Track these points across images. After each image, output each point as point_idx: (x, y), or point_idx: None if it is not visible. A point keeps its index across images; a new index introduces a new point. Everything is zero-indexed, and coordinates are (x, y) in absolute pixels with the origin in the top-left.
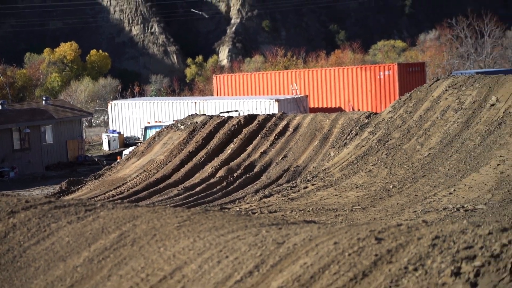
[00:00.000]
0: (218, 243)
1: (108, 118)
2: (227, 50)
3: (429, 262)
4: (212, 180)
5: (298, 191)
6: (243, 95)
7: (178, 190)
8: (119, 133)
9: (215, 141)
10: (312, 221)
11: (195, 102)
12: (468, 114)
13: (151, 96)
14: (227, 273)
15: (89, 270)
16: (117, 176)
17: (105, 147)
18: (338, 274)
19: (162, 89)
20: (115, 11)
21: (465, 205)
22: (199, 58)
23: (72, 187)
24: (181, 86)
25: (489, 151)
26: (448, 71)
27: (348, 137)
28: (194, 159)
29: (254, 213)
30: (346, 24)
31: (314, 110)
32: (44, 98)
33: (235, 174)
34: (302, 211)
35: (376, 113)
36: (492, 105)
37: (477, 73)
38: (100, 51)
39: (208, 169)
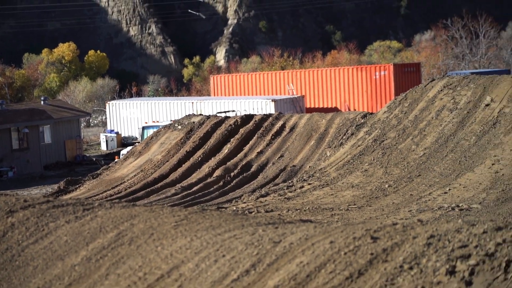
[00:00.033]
0: (215, 242)
1: (106, 118)
2: (224, 51)
3: (424, 261)
4: (209, 180)
5: (295, 190)
6: (240, 95)
7: (175, 189)
8: (117, 133)
9: (212, 141)
10: (308, 220)
11: (192, 102)
12: (463, 114)
13: (148, 96)
14: (224, 272)
15: (87, 269)
16: (115, 175)
17: (103, 147)
18: (334, 273)
19: (159, 89)
20: (113, 12)
21: (460, 204)
22: (196, 59)
23: (70, 187)
24: (178, 87)
25: (484, 150)
26: (443, 71)
27: (344, 137)
28: (191, 158)
29: (251, 212)
30: (342, 24)
31: (310, 110)
32: (42, 98)
33: (232, 174)
34: (299, 210)
35: (372, 113)
36: (487, 105)
37: (472, 73)
38: (98, 51)
39: (205, 168)
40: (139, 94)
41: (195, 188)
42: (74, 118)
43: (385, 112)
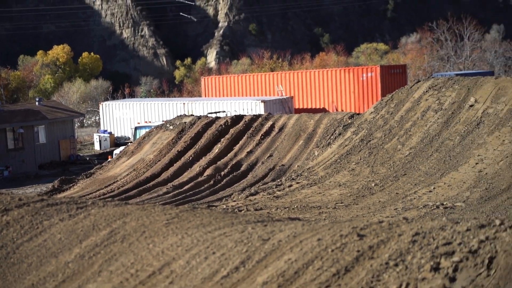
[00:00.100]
0: (206, 239)
1: (99, 118)
2: (215, 53)
3: (409, 258)
4: (200, 179)
5: (283, 189)
6: (230, 96)
7: (167, 188)
8: (110, 133)
9: (203, 141)
10: (297, 218)
11: (183, 103)
12: (448, 115)
13: (141, 97)
14: (214, 269)
15: (80, 266)
16: (108, 174)
17: (97, 146)
18: (322, 269)
19: (152, 90)
20: (106, 15)
21: (445, 203)
22: (188, 61)
23: (64, 186)
24: (170, 88)
25: (468, 150)
26: (428, 73)
27: (332, 137)
28: (182, 158)
29: (241, 211)
30: (331, 27)
31: (299, 111)
32: (37, 99)
33: (222, 173)
34: (287, 209)
35: (359, 114)
36: (471, 106)
37: (457, 75)
38: (92, 53)
39: (196, 168)
40: (132, 95)
41: (186, 187)
42: (68, 118)
43: (371, 112)
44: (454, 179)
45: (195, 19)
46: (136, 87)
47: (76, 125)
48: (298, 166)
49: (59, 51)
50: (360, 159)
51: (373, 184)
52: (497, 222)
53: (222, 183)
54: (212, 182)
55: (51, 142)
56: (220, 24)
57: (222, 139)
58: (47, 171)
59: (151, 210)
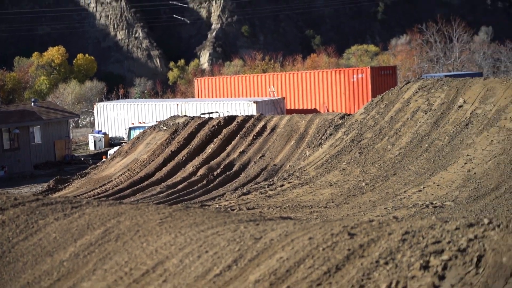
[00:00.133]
0: (199, 238)
1: (94, 119)
2: (208, 54)
3: (399, 256)
4: (193, 179)
5: (275, 188)
6: (223, 97)
7: (160, 188)
8: (104, 133)
9: (196, 141)
10: (288, 217)
11: (177, 104)
12: (437, 115)
13: (135, 98)
14: (207, 267)
15: (75, 264)
16: (102, 174)
17: (91, 147)
18: (313, 267)
19: (145, 91)
20: (100, 17)
21: (434, 202)
22: (181, 62)
23: (60, 185)
24: (164, 89)
25: (457, 150)
26: (418, 74)
27: (323, 137)
28: (176, 158)
29: (233, 210)
30: (322, 29)
31: (290, 112)
32: (32, 100)
33: (215, 173)
34: (279, 208)
35: (349, 114)
36: (460, 106)
37: (446, 76)
38: (87, 55)
39: (189, 168)
40: (126, 96)
41: (179, 187)
42: (63, 119)
43: (362, 113)
44: (443, 178)
45: (188, 21)
46: (130, 88)
47: (71, 125)
48: (289, 166)
49: (54, 53)
50: (351, 159)
51: (363, 184)
52: (486, 221)
53: (215, 182)
54: (205, 181)
55: (47, 143)
56: (213, 26)
57: (215, 140)
58: (42, 171)
59: (145, 209)
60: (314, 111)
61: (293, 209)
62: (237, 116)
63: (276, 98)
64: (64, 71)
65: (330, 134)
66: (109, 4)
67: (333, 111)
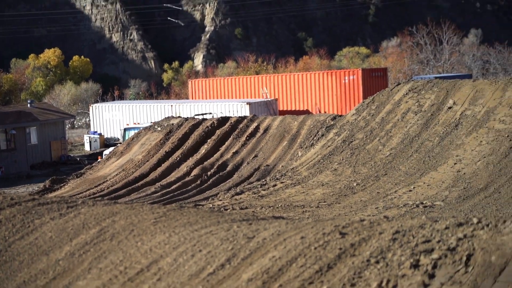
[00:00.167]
0: (192, 237)
1: (89, 120)
2: (201, 56)
3: (390, 255)
4: (187, 179)
5: (268, 188)
6: (216, 98)
7: (155, 188)
8: (100, 134)
9: (190, 141)
10: (281, 217)
11: (171, 105)
12: (427, 116)
13: (130, 99)
14: (201, 266)
15: (70, 263)
16: (97, 175)
17: (87, 147)
18: (305, 266)
19: (140, 93)
20: (96, 19)
21: (424, 202)
22: (175, 64)
23: (55, 185)
24: (158, 90)
25: (447, 151)
26: (408, 76)
27: (315, 138)
28: (170, 158)
29: (226, 210)
30: (314, 31)
31: (283, 113)
32: (29, 101)
33: (209, 173)
34: (272, 208)
35: (341, 116)
36: (450, 108)
37: (436, 78)
38: (82, 57)
39: (183, 168)
40: (121, 97)
41: (173, 187)
42: (59, 120)
43: (353, 114)
44: (433, 178)
45: (182, 24)
46: (125, 89)
47: (67, 126)
48: (282, 166)
49: (51, 55)
50: (342, 159)
51: (355, 184)
52: (475, 220)
53: (209, 182)
54: (199, 181)
55: (43, 143)
56: (206, 29)
57: (208, 140)
58: (38, 171)
59: (139, 209)
60: (306, 112)
61: (285, 208)
62: (231, 117)
63: (269, 99)
64: (60, 73)
65: (322, 135)
66: (104, 7)
67: (325, 112)
